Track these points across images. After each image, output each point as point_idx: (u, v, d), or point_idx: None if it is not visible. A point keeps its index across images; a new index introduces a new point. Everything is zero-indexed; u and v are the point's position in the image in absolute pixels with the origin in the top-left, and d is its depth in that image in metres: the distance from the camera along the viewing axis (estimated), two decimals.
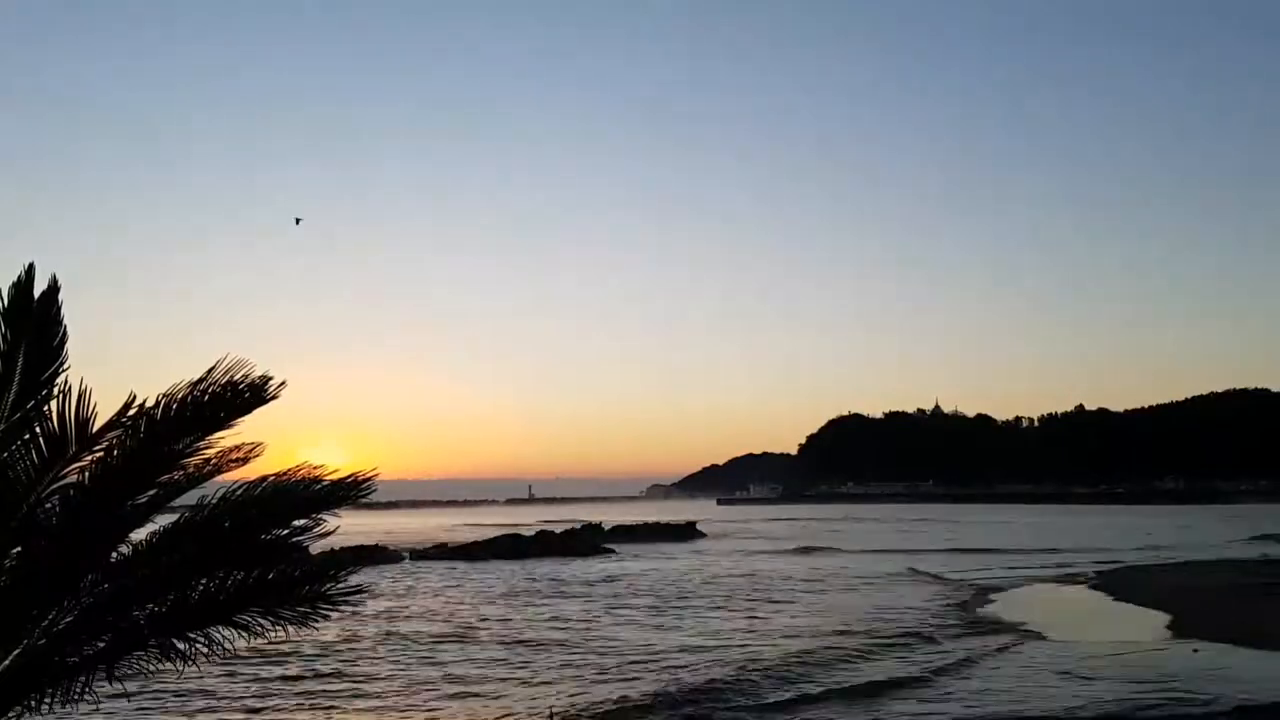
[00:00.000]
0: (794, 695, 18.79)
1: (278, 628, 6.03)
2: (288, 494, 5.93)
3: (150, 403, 5.58)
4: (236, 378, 5.67)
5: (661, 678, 20.46)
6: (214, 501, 5.89)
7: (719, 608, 33.02)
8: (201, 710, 17.73)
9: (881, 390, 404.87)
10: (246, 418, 5.84)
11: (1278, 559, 48.58)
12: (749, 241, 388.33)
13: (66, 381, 5.49)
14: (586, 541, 67.50)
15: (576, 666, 22.05)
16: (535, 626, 28.63)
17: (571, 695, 18.88)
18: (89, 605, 5.72)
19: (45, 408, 5.49)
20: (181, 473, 5.86)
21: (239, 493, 5.90)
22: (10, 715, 5.63)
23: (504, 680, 20.52)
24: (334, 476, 5.99)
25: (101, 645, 5.72)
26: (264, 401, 5.79)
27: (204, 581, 5.88)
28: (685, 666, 21.69)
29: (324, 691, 19.45)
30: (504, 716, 17.30)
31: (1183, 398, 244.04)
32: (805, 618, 30.07)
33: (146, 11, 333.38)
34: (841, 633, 26.45)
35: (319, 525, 6.03)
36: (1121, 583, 38.81)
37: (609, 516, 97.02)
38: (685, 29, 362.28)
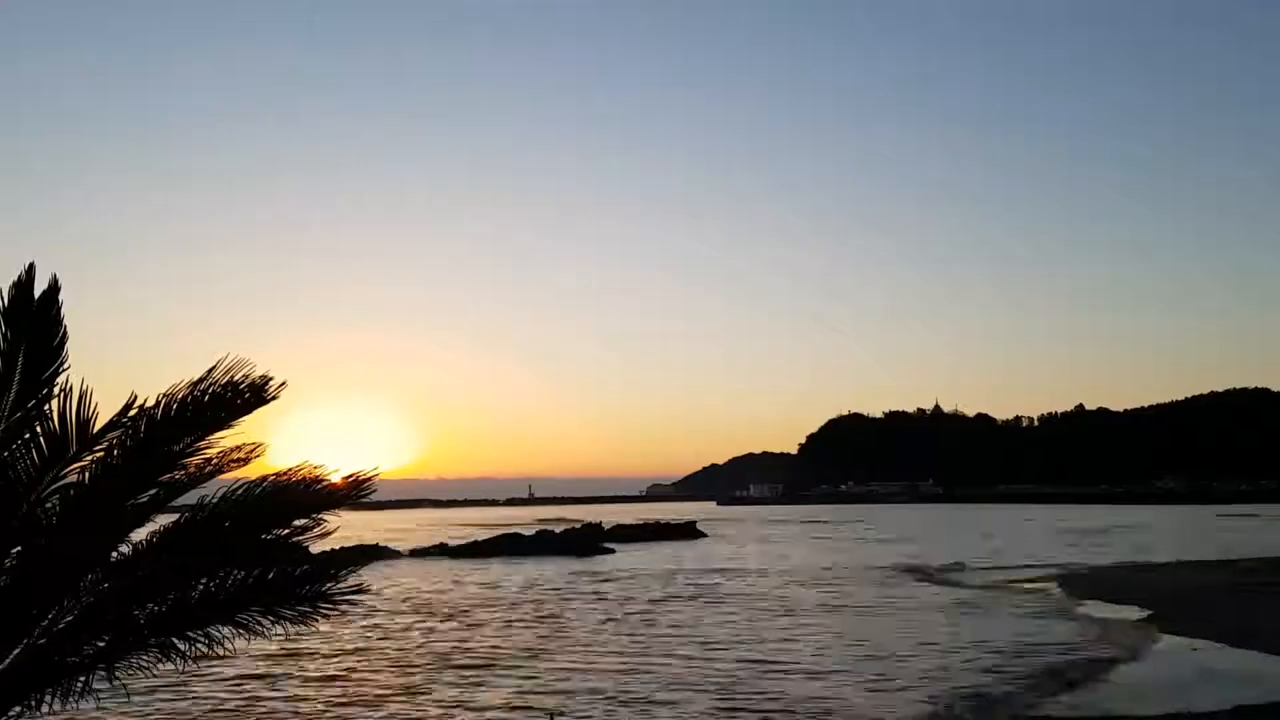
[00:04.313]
0: None
1: (278, 627, 6.04)
2: (288, 494, 5.94)
3: (150, 403, 5.58)
4: (237, 378, 5.67)
5: None
6: (214, 501, 5.90)
7: None
8: None
9: (881, 390, 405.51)
10: (247, 417, 5.85)
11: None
12: (749, 242, 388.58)
13: (67, 381, 5.47)
14: (586, 541, 67.52)
15: None
16: None
17: None
18: (89, 605, 5.71)
19: (46, 407, 5.48)
20: (182, 473, 5.86)
21: (239, 492, 5.91)
22: (10, 715, 5.63)
23: None
24: (334, 477, 6.01)
25: (101, 645, 5.72)
26: (264, 401, 5.80)
27: (204, 581, 5.88)
28: None
29: None
30: (501, 715, 17.31)
31: (1183, 398, 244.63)
32: None
33: (148, 12, 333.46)
34: None
35: (319, 525, 6.04)
36: None
37: (609, 516, 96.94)
38: (690, 26, 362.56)
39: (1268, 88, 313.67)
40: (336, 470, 6.04)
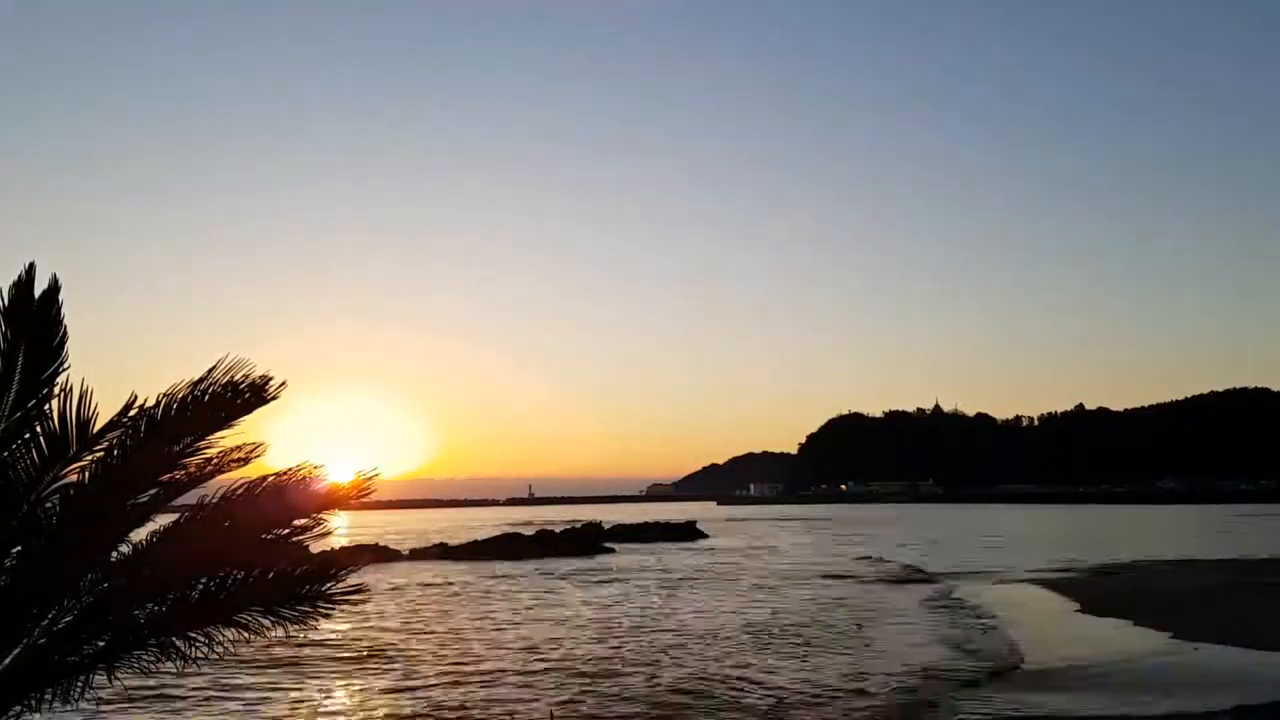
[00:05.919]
0: None
1: (278, 626, 6.03)
2: (288, 494, 5.93)
3: (150, 403, 5.57)
4: (237, 378, 5.66)
5: None
6: (214, 501, 5.89)
7: None
8: None
9: (881, 390, 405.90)
10: (247, 417, 5.84)
11: None
12: (749, 242, 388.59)
13: (67, 381, 5.47)
14: (587, 541, 67.47)
15: None
16: None
17: None
18: (89, 605, 5.71)
19: (46, 407, 5.47)
20: (182, 472, 5.85)
21: (239, 492, 5.91)
22: (10, 714, 5.63)
23: None
24: (334, 477, 6.01)
25: (101, 645, 5.72)
26: (264, 401, 5.79)
27: (204, 581, 5.88)
28: None
29: None
30: (503, 714, 17.33)
31: (1183, 397, 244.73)
32: None
33: (150, 15, 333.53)
34: None
35: (320, 525, 6.04)
36: None
37: (609, 516, 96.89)
38: (694, 29, 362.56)
39: (1269, 86, 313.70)
40: (336, 470, 6.05)
